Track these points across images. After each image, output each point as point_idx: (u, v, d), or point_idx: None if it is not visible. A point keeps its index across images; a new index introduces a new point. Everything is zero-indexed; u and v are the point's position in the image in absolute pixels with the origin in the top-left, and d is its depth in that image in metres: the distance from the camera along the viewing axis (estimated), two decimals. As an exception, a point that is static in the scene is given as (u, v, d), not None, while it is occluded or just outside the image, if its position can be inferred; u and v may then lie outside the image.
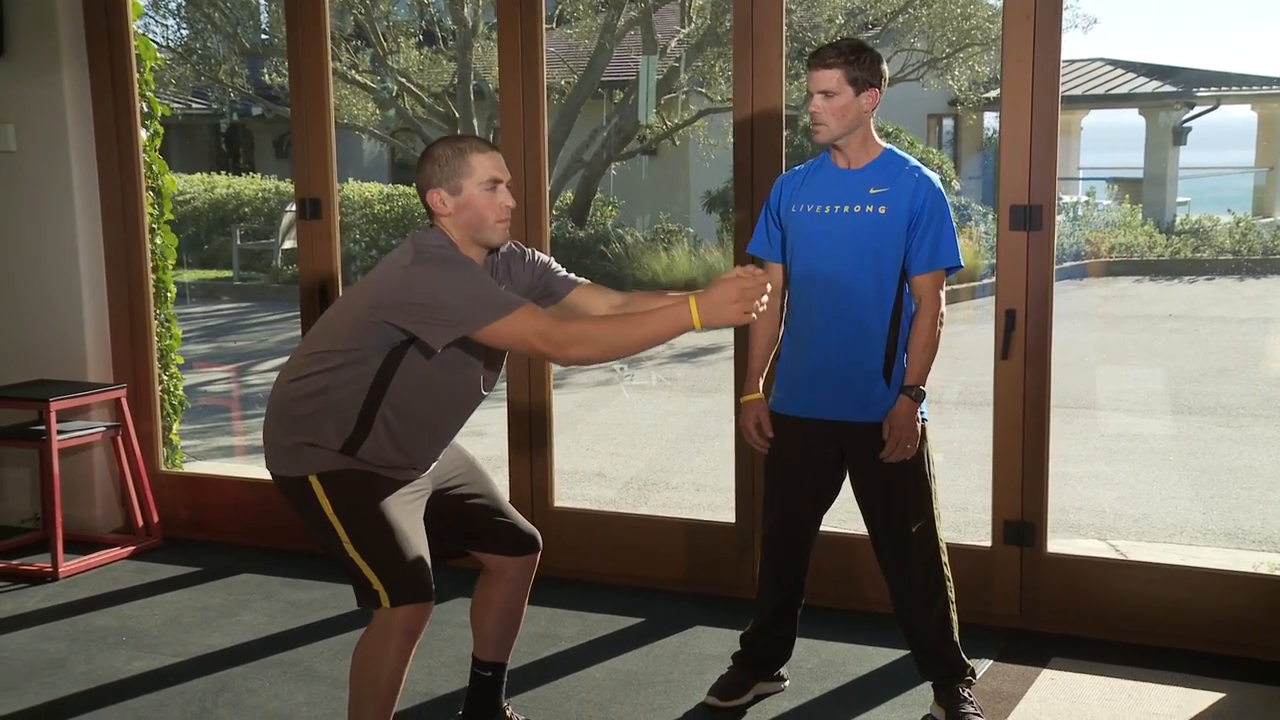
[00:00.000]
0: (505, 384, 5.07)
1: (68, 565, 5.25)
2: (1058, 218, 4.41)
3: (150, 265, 5.77)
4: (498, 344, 3.13)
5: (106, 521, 5.80)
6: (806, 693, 4.07)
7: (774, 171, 4.56)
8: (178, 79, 17.06)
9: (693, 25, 15.56)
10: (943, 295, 3.69)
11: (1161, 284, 14.92)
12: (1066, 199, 17.65)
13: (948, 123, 21.00)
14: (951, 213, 3.72)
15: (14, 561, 5.35)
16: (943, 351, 3.77)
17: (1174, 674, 4.14)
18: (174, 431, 6.15)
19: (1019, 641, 4.42)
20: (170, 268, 6.03)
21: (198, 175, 19.04)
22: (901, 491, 3.74)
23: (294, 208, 5.46)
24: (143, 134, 5.74)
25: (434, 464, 3.41)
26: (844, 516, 4.36)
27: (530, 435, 5.15)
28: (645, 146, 16.62)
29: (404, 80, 16.10)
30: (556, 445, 5.24)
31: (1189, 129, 19.39)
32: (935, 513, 3.78)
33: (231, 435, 8.90)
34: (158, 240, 5.92)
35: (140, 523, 5.63)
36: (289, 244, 15.04)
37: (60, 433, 5.28)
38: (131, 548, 5.52)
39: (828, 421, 3.74)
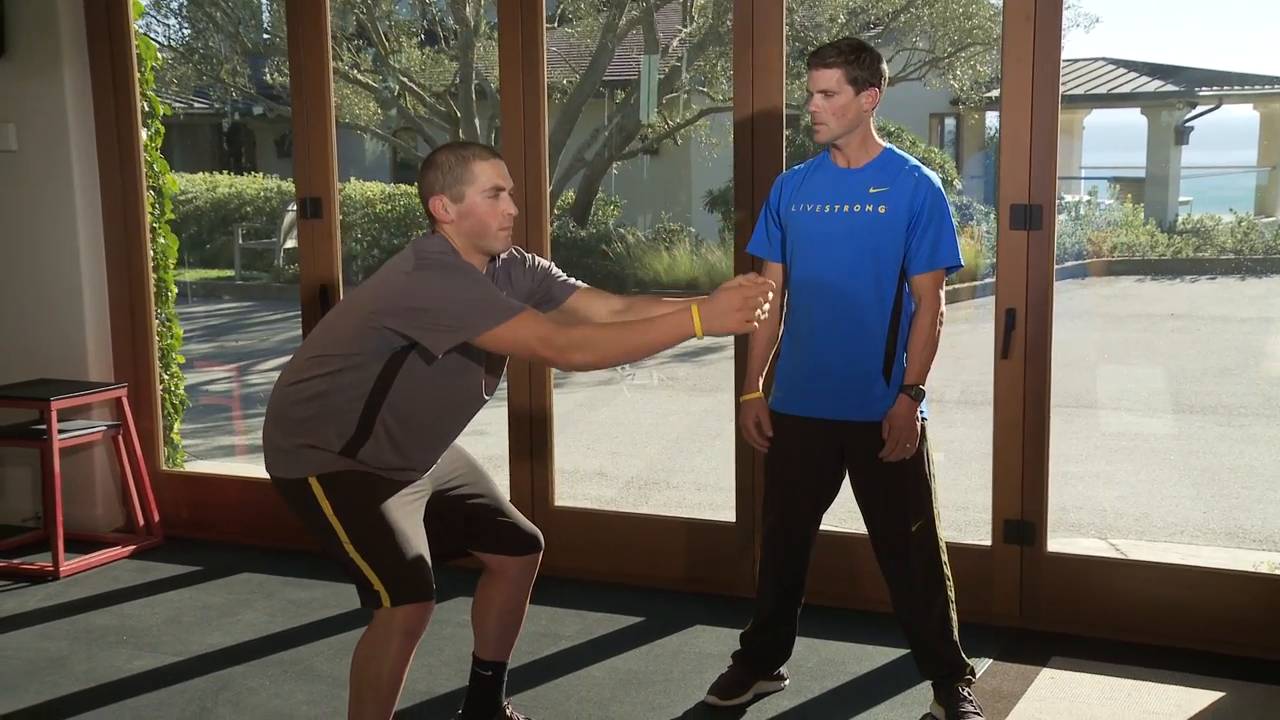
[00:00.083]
0: (506, 385, 5.08)
1: (69, 564, 5.26)
2: (1060, 217, 4.42)
3: (151, 265, 5.78)
4: (499, 349, 3.13)
5: (107, 521, 5.80)
6: (806, 691, 4.08)
7: (774, 171, 4.56)
8: (179, 78, 17.07)
9: (694, 24, 15.56)
10: (942, 295, 3.69)
11: (1163, 283, 14.92)
12: (1068, 198, 17.64)
13: (949, 122, 21.00)
14: (952, 212, 3.73)
15: (15, 560, 5.35)
16: (943, 351, 3.78)
17: (1174, 673, 4.14)
18: (175, 431, 6.16)
19: (1019, 640, 4.42)
20: (171, 267, 6.04)
21: (200, 174, 19.06)
22: (901, 491, 3.74)
23: (295, 207, 5.46)
24: (144, 133, 5.75)
25: (434, 465, 3.41)
26: (844, 515, 4.37)
27: (531, 436, 5.15)
28: (647, 146, 16.62)
29: (406, 80, 16.10)
30: (557, 444, 5.24)
31: (1191, 128, 19.38)
32: (935, 512, 3.78)
33: (232, 434, 8.91)
34: (159, 240, 5.93)
35: (141, 522, 5.63)
36: (291, 243, 15.05)
37: (61, 432, 5.28)
38: (132, 547, 5.53)
39: (827, 421, 3.75)
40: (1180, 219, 17.92)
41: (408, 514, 3.29)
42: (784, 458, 3.85)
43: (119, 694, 4.13)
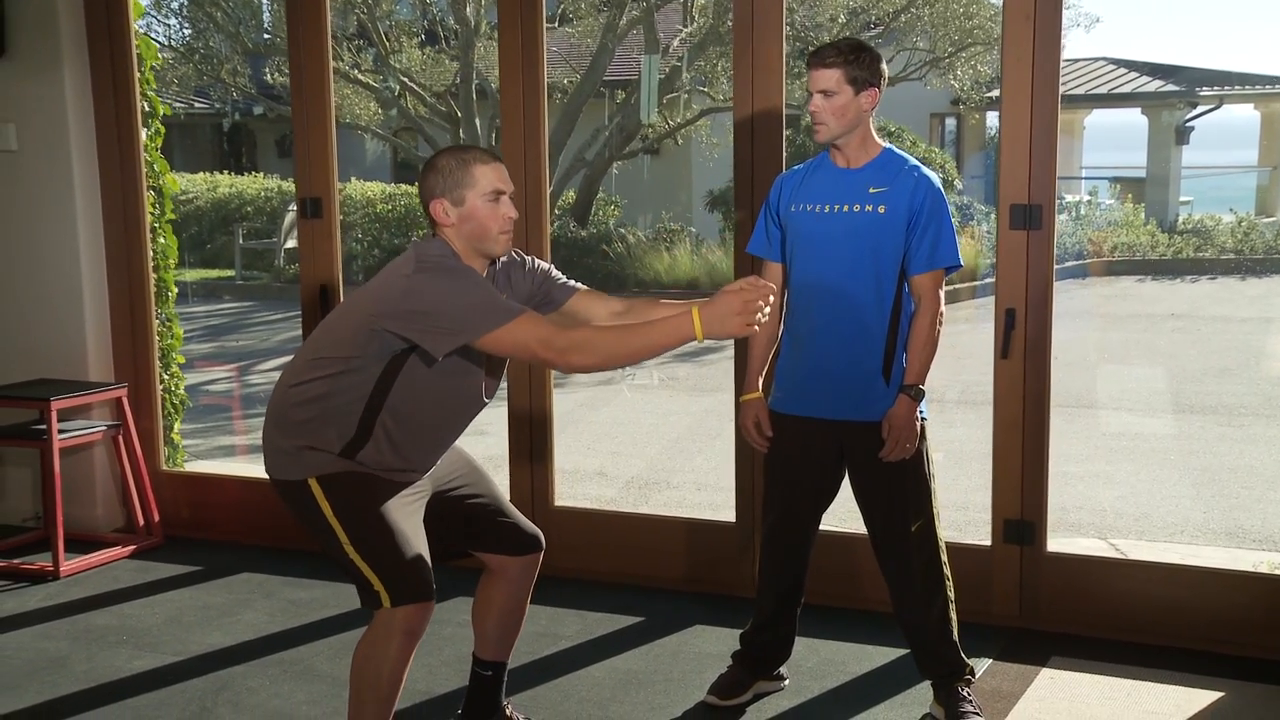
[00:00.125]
0: (506, 386, 5.08)
1: (69, 564, 5.26)
2: (1060, 217, 4.42)
3: (151, 265, 5.78)
4: (499, 352, 3.13)
5: (107, 520, 5.80)
6: (806, 691, 4.08)
7: (774, 171, 4.56)
8: (180, 78, 17.08)
9: (695, 24, 15.56)
10: (942, 295, 3.69)
11: (1164, 283, 14.92)
12: (1069, 198, 17.64)
13: (950, 122, 21.00)
14: (951, 212, 3.73)
15: (15, 560, 5.36)
16: (944, 351, 3.78)
17: (1173, 673, 4.14)
18: (175, 431, 6.16)
19: (1018, 640, 4.42)
20: (171, 267, 6.04)
21: (200, 174, 19.07)
22: (901, 491, 3.75)
23: (296, 207, 5.47)
24: (143, 133, 5.75)
25: (434, 466, 3.42)
26: (844, 515, 4.37)
27: (531, 437, 5.15)
28: (647, 146, 16.62)
29: (406, 80, 16.11)
30: (558, 444, 5.24)
31: (1192, 128, 19.38)
32: (935, 512, 3.78)
33: (233, 434, 8.91)
34: (159, 240, 5.93)
35: (141, 522, 5.63)
36: (291, 243, 15.06)
37: (61, 432, 5.29)
38: (132, 547, 5.53)
39: (827, 421, 3.75)
40: (1181, 219, 17.92)
41: (407, 515, 3.29)
42: (784, 458, 3.85)
43: (119, 694, 4.13)
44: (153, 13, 16.38)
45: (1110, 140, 21.91)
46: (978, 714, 3.76)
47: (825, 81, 3.61)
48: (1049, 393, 4.48)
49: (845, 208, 3.67)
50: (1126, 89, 19.51)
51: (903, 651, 4.17)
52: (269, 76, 17.09)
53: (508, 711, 3.74)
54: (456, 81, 15.68)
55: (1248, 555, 5.66)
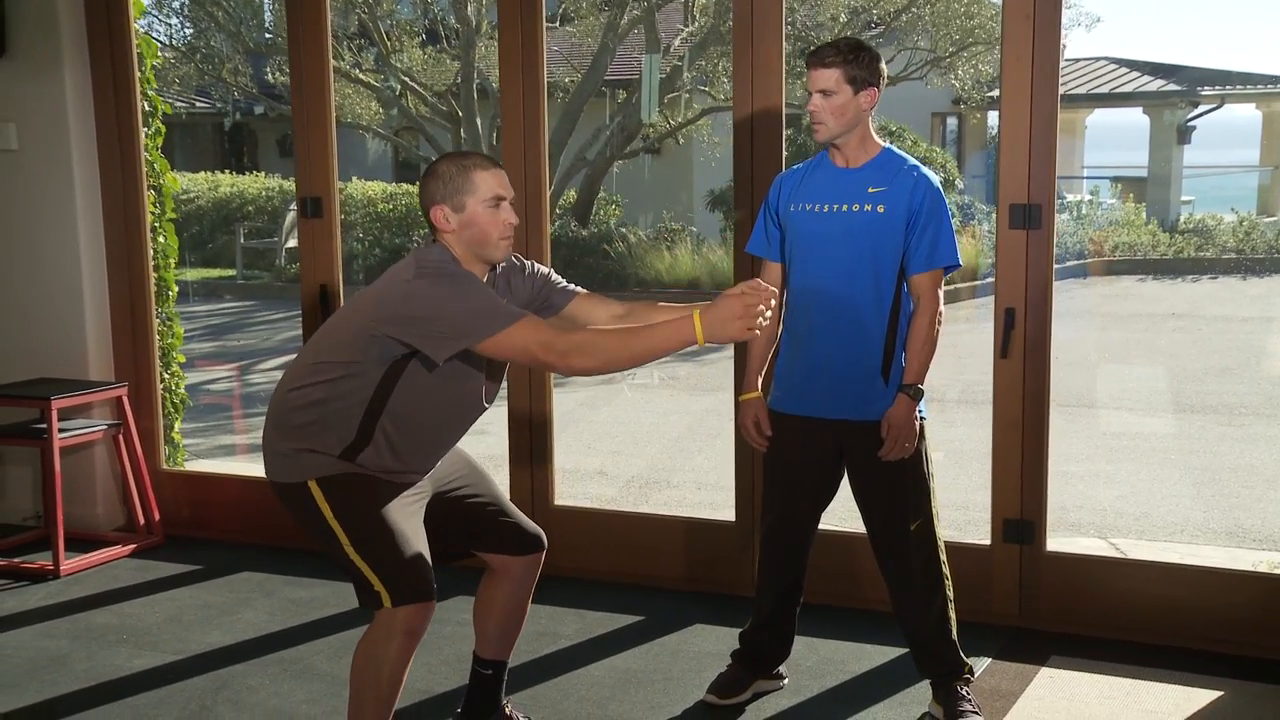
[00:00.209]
0: (506, 388, 5.08)
1: (69, 563, 5.27)
2: (1062, 216, 4.43)
3: (152, 264, 5.78)
4: (500, 356, 3.14)
5: (108, 519, 5.81)
6: (805, 690, 4.08)
7: (774, 170, 4.56)
8: (181, 78, 17.09)
9: (696, 24, 15.57)
10: (941, 294, 3.70)
11: (1165, 283, 14.92)
12: (1070, 198, 17.63)
13: (951, 121, 21.00)
14: (950, 212, 3.73)
15: (15, 559, 5.36)
16: (945, 350, 3.78)
17: (1172, 672, 4.14)
18: (175, 430, 6.17)
19: (1017, 639, 4.42)
20: (172, 266, 6.04)
21: (202, 174, 19.08)
22: (900, 490, 3.75)
23: (296, 206, 5.47)
24: (143, 132, 5.75)
25: (434, 468, 3.42)
26: (843, 515, 4.37)
27: (531, 439, 5.16)
28: (648, 145, 16.63)
29: (407, 79, 16.11)
30: (558, 444, 5.25)
31: (1193, 128, 19.38)
32: (934, 511, 3.78)
33: (233, 434, 8.92)
34: (159, 239, 5.94)
35: (141, 521, 5.64)
36: (292, 243, 15.06)
37: (62, 431, 5.29)
38: (133, 546, 5.54)
39: (826, 420, 3.75)
40: (1182, 218, 17.92)
41: (407, 515, 3.30)
42: (783, 457, 3.85)
43: (119, 692, 4.13)
44: (154, 12, 16.40)
45: (1112, 140, 21.92)
46: (976, 713, 3.76)
47: (824, 81, 3.61)
48: (1048, 392, 4.48)
49: (844, 207, 3.68)
50: (1128, 88, 19.50)
51: (902, 651, 4.17)
52: (270, 76, 17.11)
53: (507, 710, 3.74)
54: (458, 81, 15.69)
55: (1247, 555, 5.67)
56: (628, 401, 9.61)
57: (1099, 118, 21.20)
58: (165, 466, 5.90)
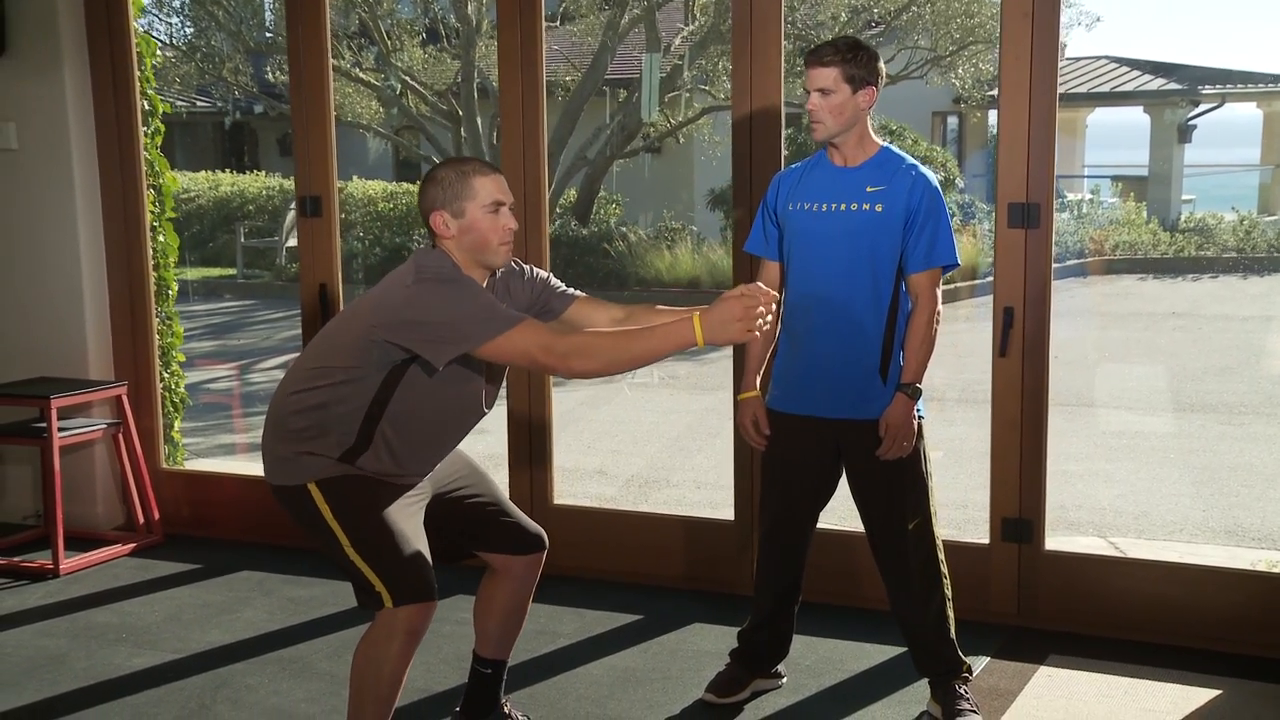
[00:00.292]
0: (506, 387, 5.07)
1: (69, 562, 5.27)
2: (1063, 215, 4.43)
3: (151, 263, 5.79)
4: (500, 359, 3.14)
5: (108, 518, 5.81)
6: (804, 689, 4.08)
7: (772, 169, 4.56)
8: (182, 77, 17.09)
9: (696, 23, 15.57)
10: (939, 293, 3.70)
11: (1165, 282, 14.92)
12: (1071, 197, 17.63)
13: (952, 120, 20.99)
14: (950, 211, 3.73)
15: (15, 558, 5.36)
16: (945, 349, 3.78)
17: (1170, 671, 4.14)
18: (175, 429, 6.17)
19: (1016, 638, 4.43)
20: (172, 265, 6.05)
21: (202, 173, 19.09)
22: (899, 489, 3.75)
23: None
24: (143, 131, 5.75)
25: (433, 469, 3.43)
26: (842, 514, 4.37)
27: (530, 441, 5.16)
28: (649, 144, 16.62)
29: (408, 78, 16.11)
30: (558, 443, 5.25)
31: (1194, 126, 19.37)
32: (932, 510, 3.79)
33: (233, 433, 8.92)
34: (159, 238, 5.94)
35: (141, 520, 5.64)
36: (293, 242, 15.04)
37: (61, 430, 5.29)
38: (132, 545, 5.54)
39: (824, 419, 3.75)
40: (1183, 217, 17.91)
41: (407, 516, 3.30)
42: (781, 457, 3.85)
43: (118, 691, 4.13)
44: (154, 11, 16.40)
45: (1112, 139, 21.92)
46: (975, 712, 3.76)
47: (822, 80, 3.61)
48: (1047, 391, 4.48)
49: (843, 206, 3.68)
50: (1128, 87, 19.50)
51: (900, 649, 4.18)
52: (270, 75, 17.11)
53: (506, 709, 3.74)
54: (458, 80, 15.69)
55: (1246, 554, 5.67)
56: (627, 401, 9.61)
57: (1100, 117, 21.20)
58: (165, 466, 5.90)
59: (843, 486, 3.89)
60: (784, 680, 4.11)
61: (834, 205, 3.69)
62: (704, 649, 4.38)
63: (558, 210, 15.53)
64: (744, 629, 4.05)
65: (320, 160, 5.31)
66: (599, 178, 16.06)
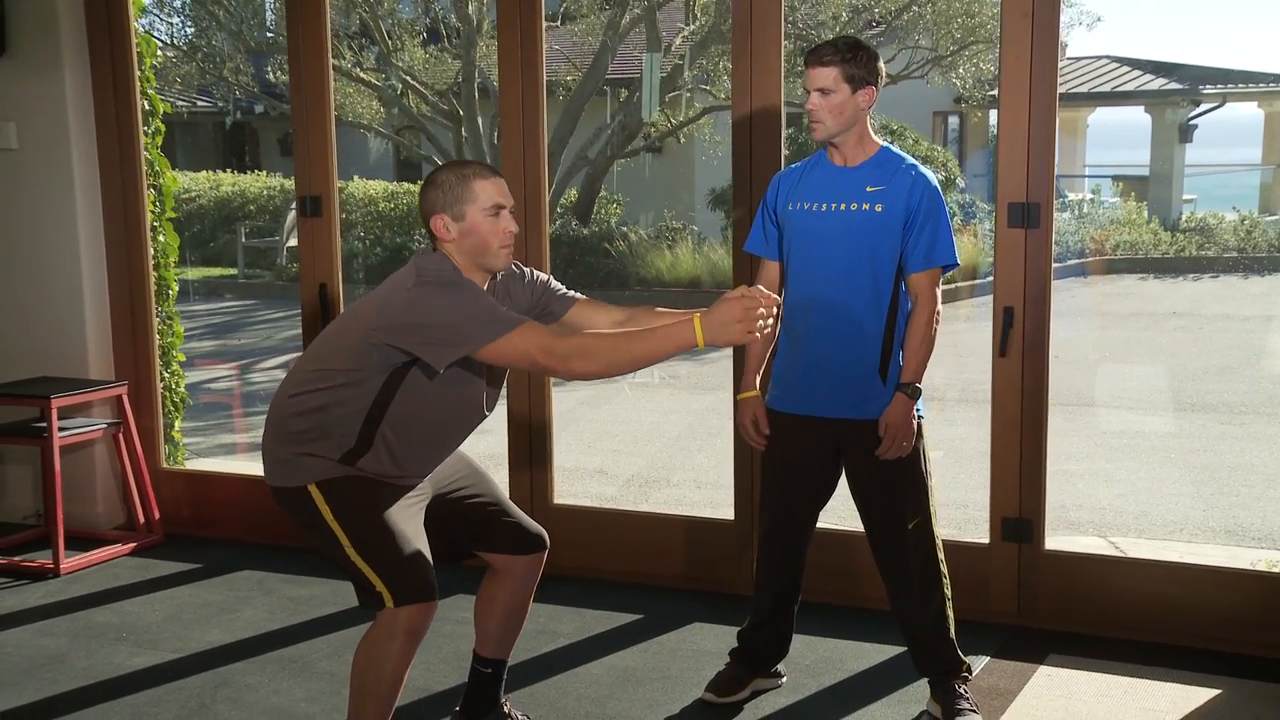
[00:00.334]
0: (507, 389, 5.07)
1: (69, 561, 5.27)
2: (1064, 215, 4.43)
3: (152, 263, 5.79)
4: (501, 362, 3.15)
5: (108, 518, 5.81)
6: (803, 689, 4.08)
7: (773, 169, 4.56)
8: (183, 77, 17.09)
9: (697, 23, 15.56)
10: (939, 293, 3.70)
11: (1166, 281, 14.91)
12: (1072, 196, 17.62)
13: (953, 120, 20.98)
14: (952, 210, 3.73)
15: (15, 558, 5.37)
16: (945, 349, 3.78)
17: (1170, 670, 4.14)
18: (176, 428, 6.17)
19: (1016, 638, 4.43)
20: (172, 265, 6.05)
21: (203, 173, 19.09)
22: (899, 488, 3.75)
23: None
24: (143, 131, 5.75)
25: (433, 470, 3.43)
26: (842, 513, 4.37)
27: (530, 443, 5.16)
28: (649, 144, 16.62)
29: (409, 78, 16.11)
30: (558, 443, 5.25)
31: (1195, 126, 19.35)
32: (932, 509, 3.79)
33: (233, 432, 8.92)
34: (159, 238, 5.94)
35: (141, 519, 5.64)
36: (293, 242, 15.05)
37: (62, 430, 5.30)
38: (133, 544, 5.54)
39: (824, 419, 3.75)
40: (1183, 217, 17.90)
41: (408, 516, 3.31)
42: (781, 456, 3.85)
43: (118, 691, 4.14)
44: (155, 11, 16.40)
45: (1113, 138, 21.91)
46: (974, 711, 3.76)
47: (822, 80, 3.61)
48: (1047, 391, 4.48)
49: (843, 206, 3.68)
50: (1129, 87, 19.48)
51: (900, 649, 4.18)
52: (271, 75, 17.11)
53: (506, 708, 3.74)
54: (459, 80, 15.69)
55: (1246, 553, 5.67)
56: (628, 400, 9.61)
57: (1100, 116, 21.18)
58: (165, 465, 5.90)
59: (842, 486, 3.89)
60: (784, 680, 4.11)
61: (834, 205, 3.69)
62: (704, 649, 4.39)
63: (558, 210, 15.53)
64: (744, 628, 4.05)
65: (321, 160, 5.32)
66: (599, 177, 16.06)
